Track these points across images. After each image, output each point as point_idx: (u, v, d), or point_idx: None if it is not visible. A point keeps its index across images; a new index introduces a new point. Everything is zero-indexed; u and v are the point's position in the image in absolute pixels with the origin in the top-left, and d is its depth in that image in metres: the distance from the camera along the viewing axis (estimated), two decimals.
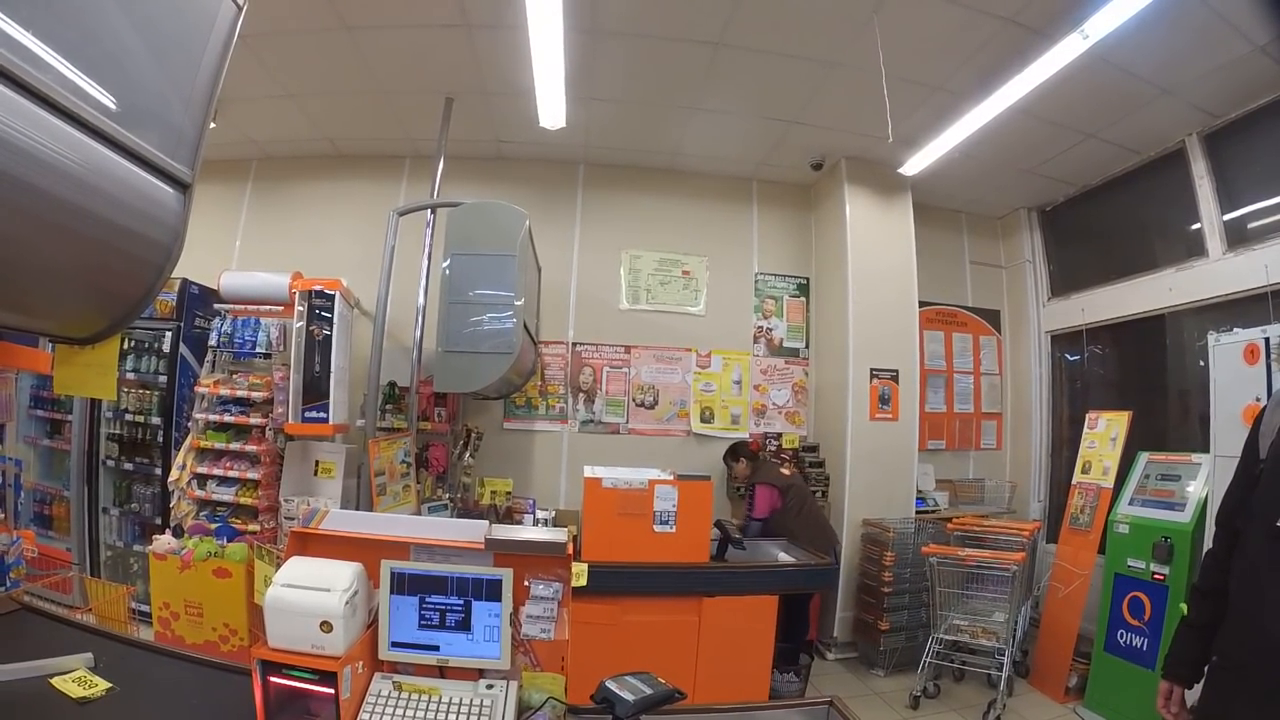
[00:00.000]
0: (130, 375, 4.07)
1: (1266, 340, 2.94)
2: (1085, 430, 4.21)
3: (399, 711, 1.26)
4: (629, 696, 1.21)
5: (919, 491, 4.72)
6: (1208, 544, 1.66)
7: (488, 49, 3.49)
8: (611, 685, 1.24)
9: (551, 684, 1.36)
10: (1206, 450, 3.25)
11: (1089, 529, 3.88)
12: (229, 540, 2.89)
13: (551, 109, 3.71)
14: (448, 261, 3.15)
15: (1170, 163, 4.14)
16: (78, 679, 1.39)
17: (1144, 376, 4.62)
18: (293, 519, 3.48)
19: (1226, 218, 3.82)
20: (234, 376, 3.84)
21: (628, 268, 4.97)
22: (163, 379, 4.07)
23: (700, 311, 5.02)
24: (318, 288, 3.64)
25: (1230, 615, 1.44)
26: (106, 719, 1.31)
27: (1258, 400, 2.87)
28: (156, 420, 4.06)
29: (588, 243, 4.95)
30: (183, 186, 1.24)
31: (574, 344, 4.88)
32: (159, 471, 4.03)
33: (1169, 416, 4.31)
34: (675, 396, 4.93)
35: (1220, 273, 3.79)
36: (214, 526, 3.14)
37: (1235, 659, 1.41)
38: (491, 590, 1.34)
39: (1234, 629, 1.43)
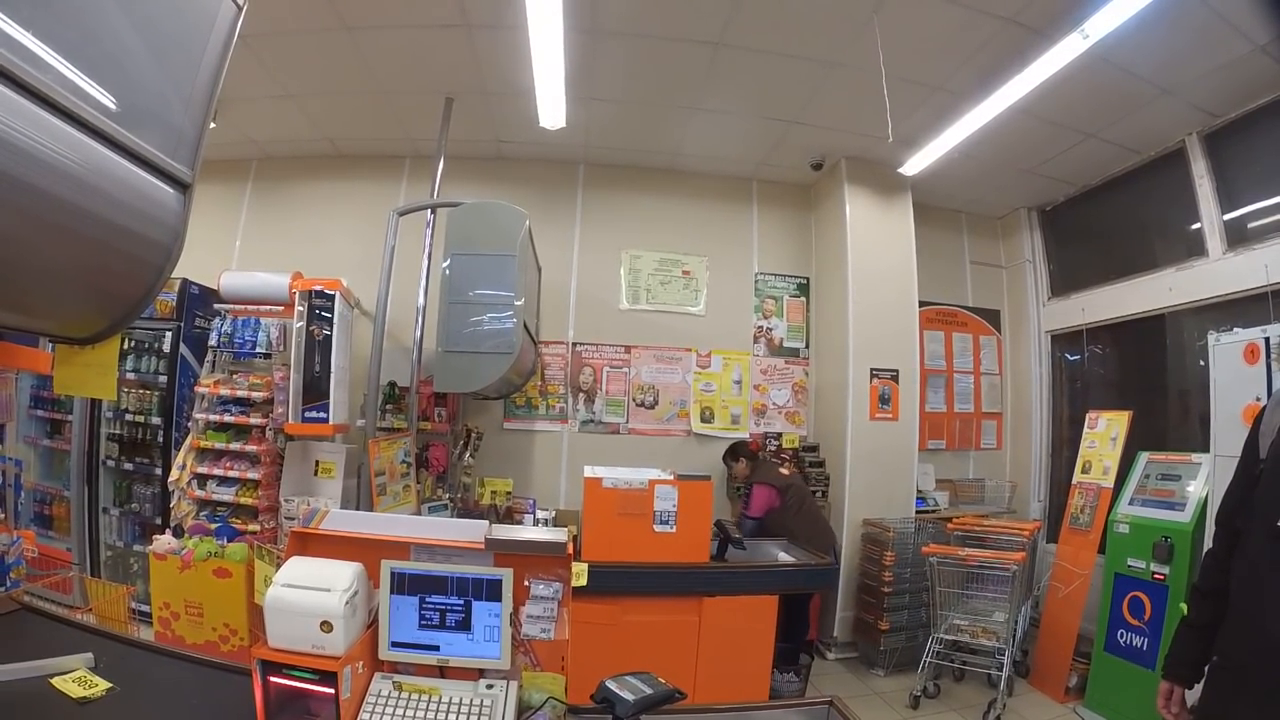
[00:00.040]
0: (130, 375, 4.07)
1: (1266, 340, 2.94)
2: (1085, 430, 4.21)
3: (399, 711, 1.26)
4: (629, 696, 1.21)
5: (919, 491, 4.72)
6: (1208, 544, 1.66)
7: (488, 49, 3.49)
8: (611, 685, 1.24)
9: (551, 684, 1.36)
10: (1206, 450, 3.25)
11: (1089, 529, 3.88)
12: (229, 540, 2.88)
13: (551, 109, 3.71)
14: (448, 261, 3.15)
15: (1170, 162, 4.14)
16: (78, 679, 1.39)
17: (1144, 376, 4.62)
18: (293, 519, 3.48)
19: (1226, 217, 3.82)
20: (234, 376, 3.84)
21: (628, 268, 4.97)
22: (163, 379, 4.07)
23: (700, 311, 5.02)
24: (318, 288, 3.64)
25: (1231, 615, 1.44)
26: (107, 719, 1.31)
27: (1258, 400, 2.87)
28: (156, 420, 4.06)
29: (588, 243, 4.95)
30: (183, 186, 1.24)
31: (574, 344, 4.88)
32: (159, 471, 4.03)
33: (1169, 416, 4.31)
34: (675, 396, 4.93)
35: (1220, 272, 3.79)
36: (214, 526, 3.14)
37: (1236, 659, 1.41)
38: (491, 590, 1.34)
39: (1234, 629, 1.43)
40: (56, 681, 1.37)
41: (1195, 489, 3.32)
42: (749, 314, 5.09)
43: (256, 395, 3.71)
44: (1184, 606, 1.66)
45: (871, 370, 4.55)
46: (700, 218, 5.07)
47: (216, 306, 3.91)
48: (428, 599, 1.34)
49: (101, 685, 1.38)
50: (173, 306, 4.08)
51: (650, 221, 5.01)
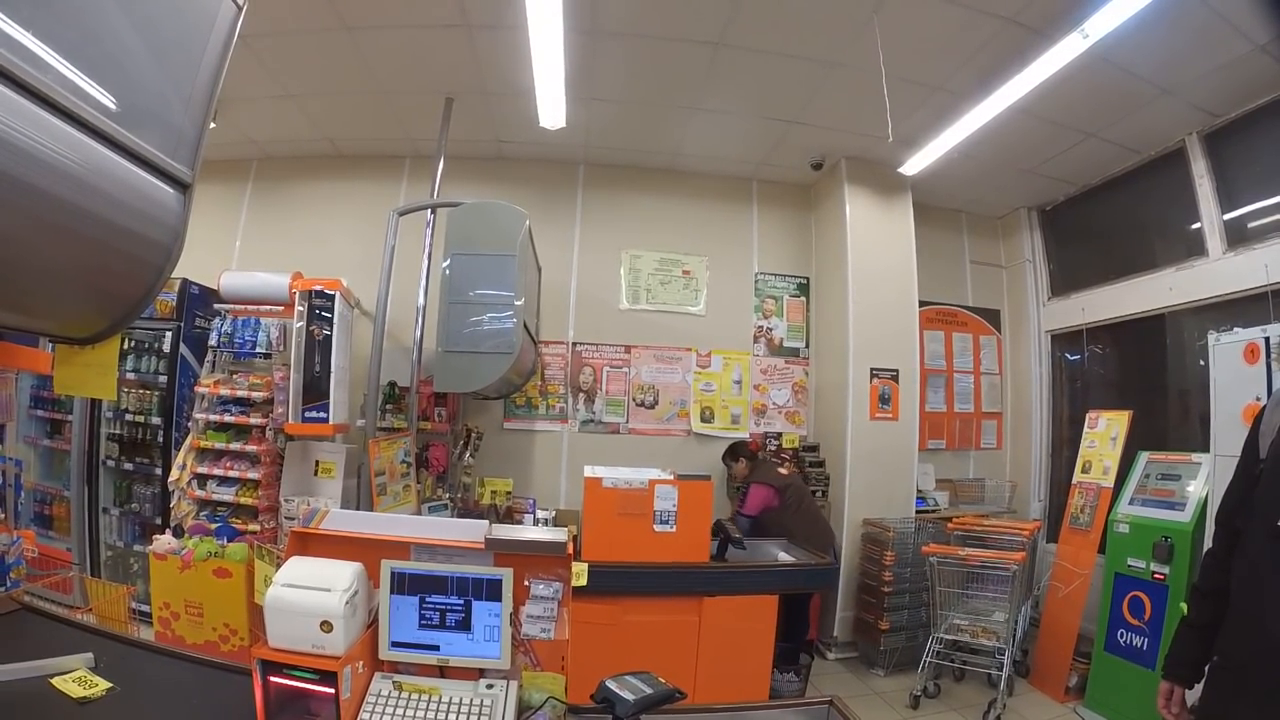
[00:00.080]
0: (130, 375, 4.07)
1: (1266, 340, 2.94)
2: (1085, 430, 4.21)
3: (399, 711, 1.26)
4: (629, 696, 1.21)
5: (919, 491, 4.72)
6: (1208, 543, 1.66)
7: (488, 49, 3.49)
8: (612, 685, 1.24)
9: (551, 684, 1.36)
10: (1206, 450, 3.25)
11: (1089, 528, 3.88)
12: (229, 540, 2.88)
13: (551, 109, 3.71)
14: (448, 261, 3.15)
15: (1170, 162, 4.14)
16: (78, 679, 1.39)
17: (1144, 376, 4.62)
18: (293, 519, 3.48)
19: (1226, 217, 3.82)
20: (234, 376, 3.84)
21: (628, 267, 4.97)
22: (163, 379, 4.07)
23: (700, 311, 5.02)
24: (318, 288, 3.64)
25: (1231, 615, 1.44)
26: (107, 719, 1.31)
27: (1258, 400, 2.87)
28: (157, 420, 4.06)
29: (588, 243, 4.95)
30: (183, 186, 1.25)
31: (574, 344, 4.88)
32: (159, 471, 4.03)
33: (1169, 416, 4.31)
34: (675, 396, 4.93)
35: (1220, 272, 3.79)
36: (214, 526, 3.14)
37: (1236, 659, 1.41)
38: (491, 590, 1.34)
39: (1235, 629, 1.43)
40: (57, 681, 1.37)
41: (1195, 489, 3.32)
42: (749, 314, 5.09)
43: (256, 395, 3.71)
44: (1184, 606, 1.66)
45: (871, 370, 4.55)
46: (700, 218, 5.07)
47: (216, 306, 3.91)
48: (428, 599, 1.34)
49: (101, 685, 1.38)
50: (173, 306, 4.08)
51: (650, 221, 5.01)
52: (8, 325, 1.31)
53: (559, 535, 1.46)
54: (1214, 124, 3.82)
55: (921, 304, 4.81)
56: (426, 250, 3.81)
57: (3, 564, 2.20)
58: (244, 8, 1.32)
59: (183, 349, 4.08)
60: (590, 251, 4.94)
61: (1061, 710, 3.63)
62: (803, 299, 5.17)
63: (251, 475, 3.72)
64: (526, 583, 1.41)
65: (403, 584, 1.34)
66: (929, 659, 3.65)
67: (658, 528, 3.01)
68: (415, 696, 1.29)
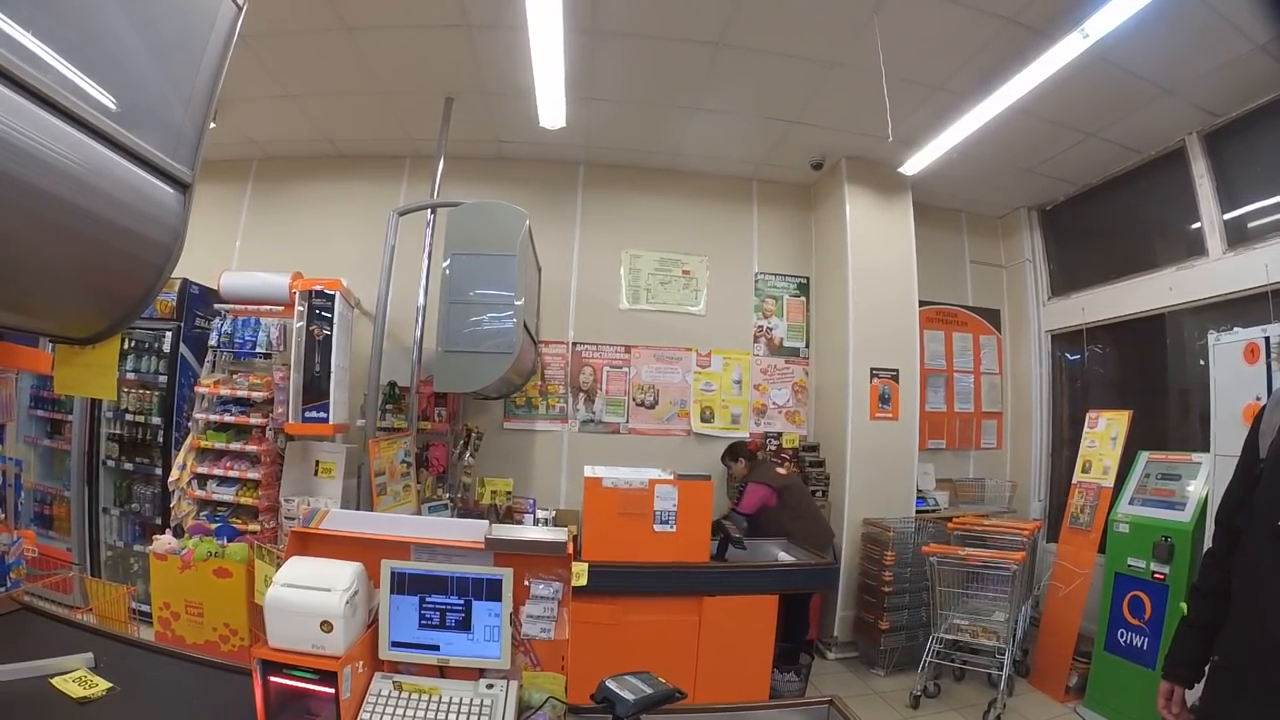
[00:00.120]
0: (130, 375, 4.07)
1: (1266, 339, 2.94)
2: (1085, 429, 4.21)
3: (399, 711, 1.26)
4: (629, 696, 1.21)
5: (919, 491, 4.72)
6: (1208, 543, 1.66)
7: (488, 49, 3.48)
8: (612, 685, 1.24)
9: (552, 684, 1.36)
10: (1207, 449, 3.25)
11: (1089, 528, 3.88)
12: (229, 540, 2.88)
13: (551, 109, 3.71)
14: (448, 261, 3.15)
15: (1170, 162, 4.14)
16: (78, 679, 1.39)
17: (1144, 376, 4.62)
18: (293, 519, 3.48)
19: (1226, 217, 3.81)
20: (234, 376, 3.84)
21: (628, 267, 4.97)
22: (163, 379, 4.07)
23: (700, 311, 5.02)
24: (318, 288, 3.64)
25: (1231, 615, 1.44)
26: (107, 719, 1.31)
27: (1258, 399, 2.87)
28: (157, 420, 4.06)
29: (588, 243, 4.95)
30: (183, 186, 1.25)
31: (574, 344, 4.88)
32: (159, 471, 4.03)
33: (1169, 416, 4.31)
34: (675, 396, 4.93)
35: (1220, 272, 3.79)
36: (214, 526, 3.14)
37: (1236, 659, 1.40)
38: (492, 590, 1.34)
39: (1235, 629, 1.43)
40: (57, 681, 1.37)
41: (1195, 488, 3.32)
42: (749, 314, 5.09)
43: (256, 395, 3.71)
44: (1184, 606, 1.65)
45: (871, 370, 4.55)
46: (700, 218, 5.07)
47: (217, 306, 3.91)
48: (428, 599, 1.34)
49: (102, 685, 1.38)
50: (173, 306, 4.08)
51: (650, 221, 5.01)
52: (8, 325, 1.31)
53: (559, 535, 1.46)
54: (1214, 124, 3.82)
55: (921, 304, 4.81)
56: (426, 250, 3.81)
57: (3, 564, 2.20)
58: (244, 8, 1.32)
59: (183, 349, 4.08)
60: (590, 251, 4.94)
61: (1061, 710, 3.63)
62: (803, 299, 5.17)
63: (251, 475, 3.72)
64: (526, 583, 1.41)
65: (403, 584, 1.34)
66: (929, 659, 3.65)
67: (658, 528, 3.01)
68: (415, 696, 1.29)
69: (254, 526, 3.60)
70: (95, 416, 4.15)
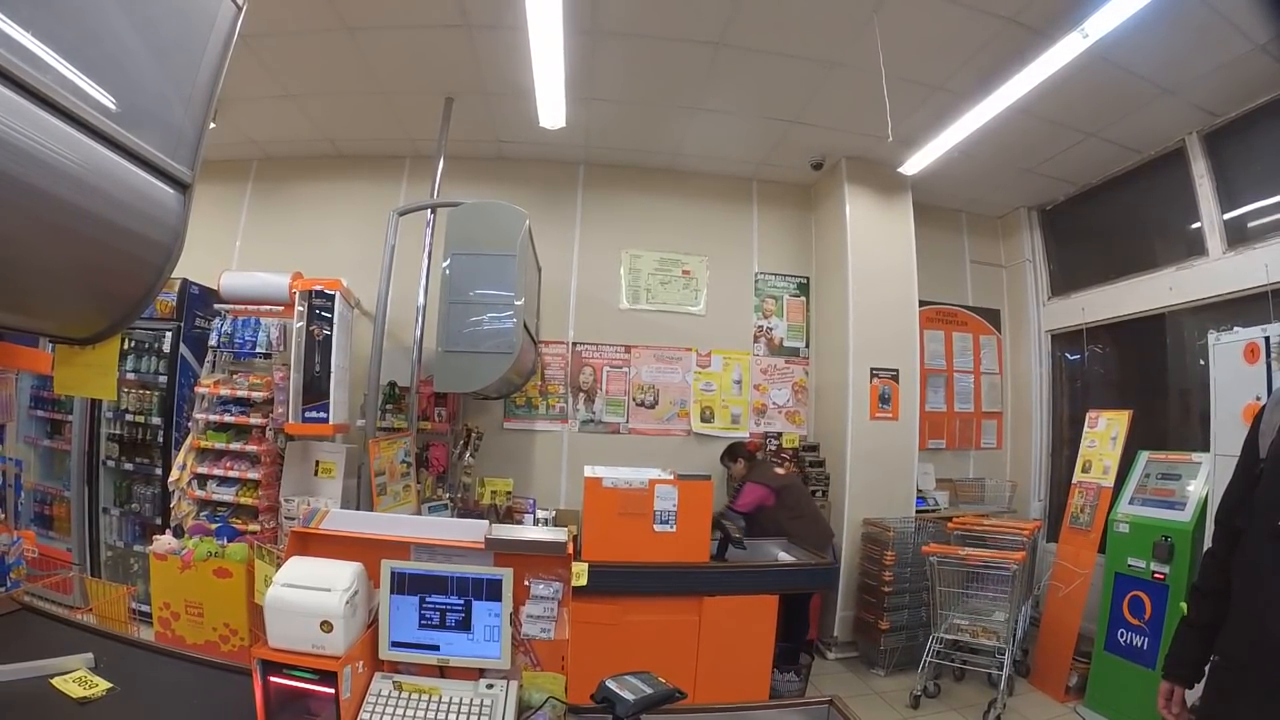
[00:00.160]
0: (130, 375, 4.07)
1: (1266, 339, 2.94)
2: (1085, 429, 4.21)
3: (399, 711, 1.26)
4: (629, 696, 1.21)
5: (919, 491, 4.72)
6: (1208, 543, 1.66)
7: (488, 49, 3.49)
8: (612, 685, 1.24)
9: (552, 684, 1.36)
10: (1207, 449, 3.25)
11: (1089, 528, 3.88)
12: (229, 540, 2.88)
13: (551, 109, 3.71)
14: (448, 261, 3.15)
15: (1170, 162, 4.14)
16: (78, 679, 1.39)
17: (1144, 376, 4.62)
18: (293, 519, 3.48)
19: (1226, 217, 3.81)
20: (234, 376, 3.84)
21: (628, 267, 4.97)
22: (163, 379, 4.07)
23: (700, 311, 5.02)
24: (318, 288, 3.64)
25: (1232, 615, 1.44)
26: (107, 719, 1.31)
27: (1258, 399, 2.87)
28: (157, 420, 4.06)
29: (588, 243, 4.95)
30: (183, 187, 1.25)
31: (574, 344, 4.88)
32: (159, 472, 4.03)
33: (1169, 416, 4.31)
34: (675, 396, 4.93)
35: (1220, 272, 3.79)
36: (214, 526, 3.14)
37: (1237, 659, 1.40)
38: (492, 590, 1.34)
39: (1235, 629, 1.43)
40: (57, 681, 1.37)
41: (1195, 488, 3.32)
42: (749, 314, 5.09)
43: (256, 395, 3.71)
44: (1184, 606, 1.65)
45: (871, 370, 4.55)
46: (700, 217, 5.07)
47: (217, 306, 3.90)
48: (428, 599, 1.34)
49: (102, 685, 1.38)
50: (173, 306, 4.08)
51: (650, 221, 5.01)
52: (8, 325, 1.31)
53: (559, 535, 1.46)
54: (1214, 123, 3.82)
55: (921, 304, 4.81)
56: (426, 250, 3.81)
57: (3, 564, 2.20)
58: (244, 8, 1.32)
59: (183, 349, 4.08)
60: (590, 251, 4.94)
61: (1062, 710, 3.63)
62: (803, 299, 5.17)
63: (252, 475, 3.72)
64: (526, 583, 1.41)
65: (403, 584, 1.34)
66: (929, 659, 3.65)
67: (658, 528, 3.01)
68: (415, 696, 1.29)
69: (254, 526, 3.60)
70: (95, 416, 4.15)
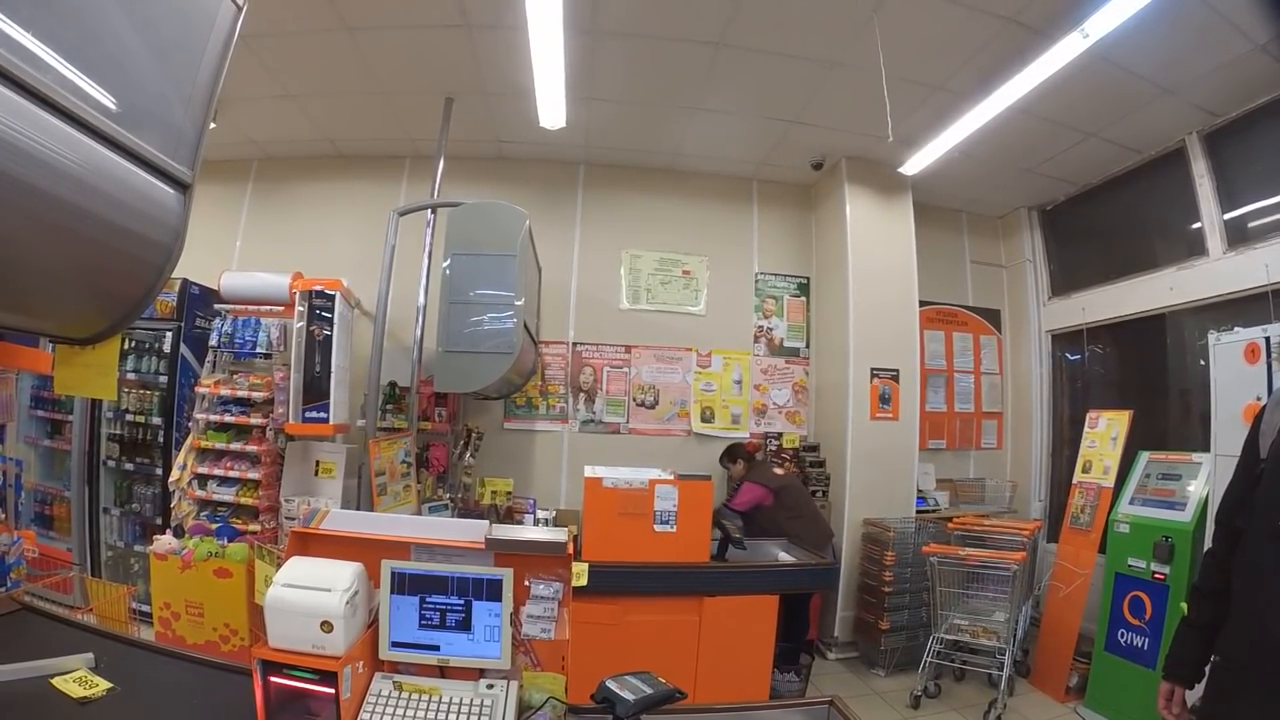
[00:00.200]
0: (131, 375, 4.07)
1: (1267, 339, 2.94)
2: (1086, 429, 4.21)
3: (399, 711, 1.26)
4: (629, 696, 1.21)
5: (919, 491, 4.72)
6: (1208, 543, 1.66)
7: (488, 49, 3.49)
8: (612, 685, 1.24)
9: (552, 684, 1.36)
10: (1207, 449, 3.25)
11: (1090, 528, 3.88)
12: (230, 540, 2.89)
13: (551, 109, 3.71)
14: (448, 261, 3.15)
15: (1171, 162, 4.14)
16: (78, 679, 1.39)
17: (1144, 376, 4.62)
18: (293, 519, 3.48)
19: (1227, 217, 3.81)
20: (234, 377, 3.84)
21: (628, 267, 4.97)
22: (163, 379, 4.07)
23: (700, 311, 5.02)
24: (318, 288, 3.64)
25: (1232, 615, 1.44)
26: (107, 719, 1.31)
27: (1258, 399, 2.87)
28: (157, 420, 4.06)
29: (588, 243, 4.95)
30: (183, 187, 1.25)
31: (574, 344, 4.88)
32: (159, 472, 4.03)
33: (1169, 416, 4.31)
34: (676, 396, 4.93)
35: (1220, 272, 3.79)
36: (215, 526, 3.14)
37: (1237, 659, 1.40)
38: (492, 590, 1.34)
39: (1236, 629, 1.43)
40: (57, 681, 1.37)
41: (1196, 488, 3.32)
42: (749, 314, 5.09)
43: (257, 395, 3.71)
44: (1184, 606, 1.65)
45: (872, 370, 4.55)
46: (700, 218, 5.07)
47: (217, 307, 3.90)
48: (428, 599, 1.34)
49: (102, 685, 1.38)
50: (173, 307, 4.08)
51: (650, 221, 5.01)
52: (8, 325, 1.31)
53: (559, 535, 1.46)
54: (1214, 124, 3.82)
55: (921, 304, 4.81)
56: (427, 250, 3.81)
57: (3, 564, 2.20)
58: (244, 8, 1.32)
59: (183, 349, 4.08)
60: (590, 251, 4.94)
61: (1062, 710, 3.63)
62: (803, 299, 5.17)
63: (252, 475, 3.72)
64: (527, 583, 1.41)
65: (403, 584, 1.34)
66: (929, 659, 3.65)
67: (658, 528, 3.01)
68: (415, 696, 1.29)
69: (254, 527, 3.60)
70: (95, 417, 4.15)
